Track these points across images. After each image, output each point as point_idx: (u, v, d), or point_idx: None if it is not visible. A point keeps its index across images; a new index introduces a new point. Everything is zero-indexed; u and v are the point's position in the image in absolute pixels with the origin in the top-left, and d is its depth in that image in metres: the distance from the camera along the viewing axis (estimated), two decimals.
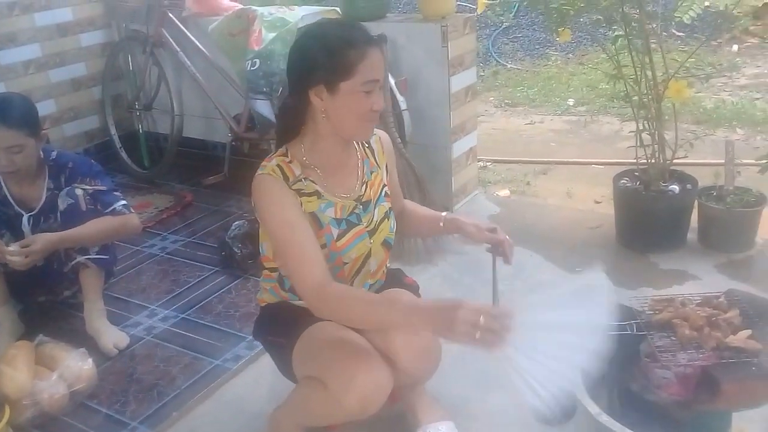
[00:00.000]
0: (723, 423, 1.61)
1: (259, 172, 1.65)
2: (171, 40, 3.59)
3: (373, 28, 2.94)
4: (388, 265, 1.90)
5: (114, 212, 2.42)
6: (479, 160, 3.76)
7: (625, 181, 2.85)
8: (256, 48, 2.98)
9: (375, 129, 1.88)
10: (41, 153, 2.43)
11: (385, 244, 1.81)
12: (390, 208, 1.83)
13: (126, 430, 2.05)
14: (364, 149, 1.82)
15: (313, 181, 1.68)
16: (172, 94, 3.68)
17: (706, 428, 1.62)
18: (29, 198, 2.46)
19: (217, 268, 2.88)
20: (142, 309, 2.64)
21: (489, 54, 6.44)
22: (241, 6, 3.34)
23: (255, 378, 2.23)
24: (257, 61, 2.97)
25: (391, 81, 2.96)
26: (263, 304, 1.88)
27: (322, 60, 1.58)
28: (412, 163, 2.91)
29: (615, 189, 2.84)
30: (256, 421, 1.99)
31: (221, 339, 2.42)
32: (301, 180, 1.66)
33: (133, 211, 2.51)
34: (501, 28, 6.75)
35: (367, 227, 1.75)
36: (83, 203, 2.38)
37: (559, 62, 6.23)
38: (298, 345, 1.72)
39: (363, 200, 1.76)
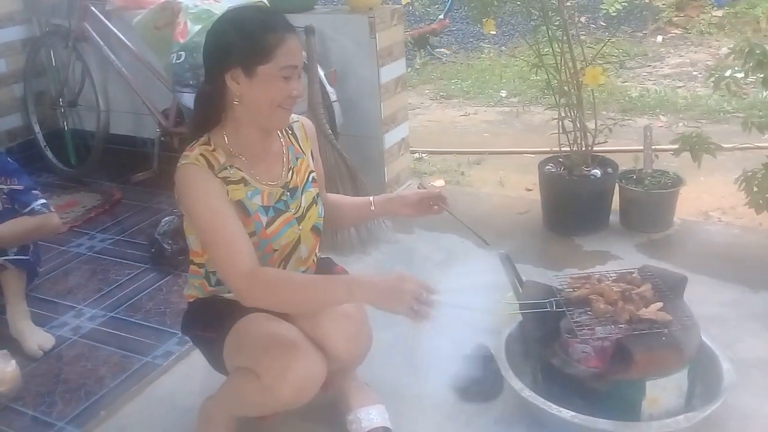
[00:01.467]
0: (637, 391, 1.68)
1: (181, 162, 1.63)
2: (94, 34, 3.49)
3: (301, 19, 3.00)
4: (318, 253, 1.91)
5: (32, 212, 2.36)
6: (414, 152, 3.79)
7: (550, 167, 2.93)
8: (182, 41, 2.92)
9: (297, 116, 1.89)
10: None
11: (314, 229, 1.81)
12: (317, 193, 1.83)
13: (52, 431, 2.00)
14: (288, 136, 1.81)
15: (239, 169, 1.67)
16: (97, 90, 3.58)
17: (622, 397, 1.69)
18: None
19: (147, 266, 2.84)
20: (68, 309, 2.58)
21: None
22: None
23: (186, 373, 2.20)
24: (183, 53, 2.92)
25: (321, 72, 2.95)
26: (191, 300, 1.86)
27: (239, 43, 1.57)
28: (343, 154, 2.91)
29: (540, 175, 2.91)
30: (187, 416, 1.95)
31: (151, 336, 2.38)
32: (226, 168, 1.65)
33: (53, 210, 2.45)
34: (435, 22, 6.81)
35: (295, 214, 1.75)
36: None
37: (492, 55, 6.34)
38: (229, 337, 1.71)
39: (290, 187, 1.76)
